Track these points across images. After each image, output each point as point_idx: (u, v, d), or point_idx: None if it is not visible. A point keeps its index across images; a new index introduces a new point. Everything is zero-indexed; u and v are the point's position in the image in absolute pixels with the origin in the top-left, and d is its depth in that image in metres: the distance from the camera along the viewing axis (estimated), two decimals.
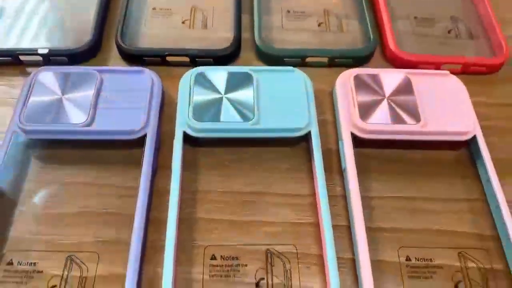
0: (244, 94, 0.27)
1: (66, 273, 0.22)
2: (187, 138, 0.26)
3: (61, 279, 0.22)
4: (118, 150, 0.27)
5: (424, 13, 0.33)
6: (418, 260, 0.23)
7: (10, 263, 0.23)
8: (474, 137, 0.27)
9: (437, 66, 0.30)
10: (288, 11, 0.33)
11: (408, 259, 0.23)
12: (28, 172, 0.26)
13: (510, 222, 0.24)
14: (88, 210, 0.25)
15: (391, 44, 0.31)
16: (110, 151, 0.27)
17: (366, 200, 0.25)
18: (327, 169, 0.26)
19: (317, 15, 0.33)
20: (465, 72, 0.31)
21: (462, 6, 0.35)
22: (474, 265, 0.23)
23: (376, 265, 0.23)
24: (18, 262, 0.23)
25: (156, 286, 0.22)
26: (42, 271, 0.22)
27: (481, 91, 0.30)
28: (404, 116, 0.27)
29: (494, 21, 0.32)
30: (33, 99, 0.27)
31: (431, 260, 0.23)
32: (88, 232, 0.24)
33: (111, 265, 0.23)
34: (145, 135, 0.26)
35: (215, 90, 0.27)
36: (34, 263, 0.23)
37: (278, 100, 0.27)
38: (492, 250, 0.24)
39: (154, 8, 0.33)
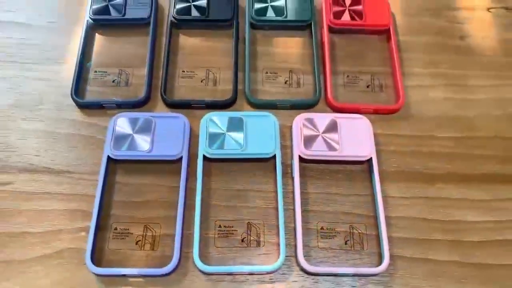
0: (238, 132, 0.46)
1: (144, 233, 0.43)
2: (205, 158, 0.45)
3: (142, 237, 0.42)
4: (167, 165, 0.45)
5: (353, 72, 0.51)
6: (327, 229, 0.43)
7: (115, 229, 0.43)
8: (371, 158, 0.46)
9: (358, 110, 0.49)
10: (266, 72, 0.51)
11: (322, 228, 0.43)
12: (116, 177, 0.46)
13: (381, 208, 0.43)
14: (151, 199, 0.44)
15: (330, 96, 0.49)
16: (162, 165, 0.45)
17: (303, 194, 0.44)
18: (284, 175, 0.45)
19: (285, 75, 0.51)
20: (376, 113, 0.49)
21: (380, 66, 0.52)
22: (357, 232, 0.43)
23: (305, 230, 0.43)
24: (119, 228, 0.43)
25: (190, 241, 0.41)
26: (132, 233, 0.42)
27: (385, 125, 0.49)
28: (330, 145, 0.45)
29: (398, 77, 0.50)
30: (116, 135, 0.46)
31: (334, 229, 0.43)
32: (153, 211, 0.43)
33: (167, 229, 0.43)
34: (181, 157, 0.46)
35: (221, 129, 0.46)
36: (127, 229, 0.43)
37: (258, 135, 0.46)
38: (370, 224, 0.43)
39: (183, 71, 0.51)
